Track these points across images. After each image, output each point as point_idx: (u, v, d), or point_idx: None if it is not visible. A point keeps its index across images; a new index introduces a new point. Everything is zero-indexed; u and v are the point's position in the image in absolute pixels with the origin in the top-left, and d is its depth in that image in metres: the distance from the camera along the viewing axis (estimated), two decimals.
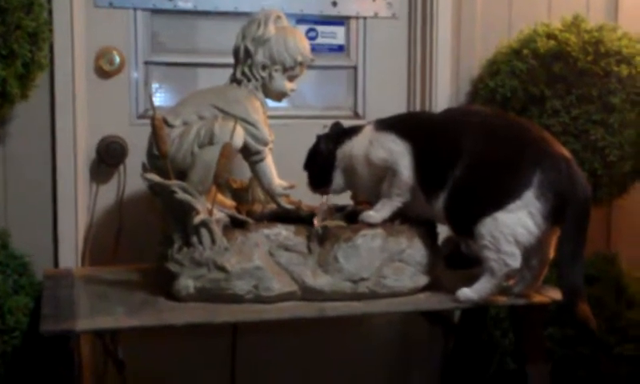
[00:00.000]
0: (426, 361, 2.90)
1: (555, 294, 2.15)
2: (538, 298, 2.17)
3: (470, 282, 2.12)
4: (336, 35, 2.90)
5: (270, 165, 2.24)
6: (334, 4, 2.85)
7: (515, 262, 2.04)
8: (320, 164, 2.27)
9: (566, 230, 2.02)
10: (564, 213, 2.01)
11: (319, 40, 2.87)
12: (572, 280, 2.01)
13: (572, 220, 2.01)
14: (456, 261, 2.38)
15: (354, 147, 2.24)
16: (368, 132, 2.24)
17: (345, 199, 2.40)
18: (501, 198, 2.04)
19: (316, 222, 2.19)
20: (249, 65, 2.23)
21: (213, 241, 2.06)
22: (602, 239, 2.97)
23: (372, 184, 2.23)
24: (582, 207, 2.03)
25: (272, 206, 2.30)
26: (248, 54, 2.23)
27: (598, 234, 2.91)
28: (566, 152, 2.08)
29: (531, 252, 2.08)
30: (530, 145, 2.07)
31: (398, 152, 2.16)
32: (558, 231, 2.05)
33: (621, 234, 3.01)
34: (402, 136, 2.17)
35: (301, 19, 2.84)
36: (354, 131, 2.28)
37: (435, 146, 2.15)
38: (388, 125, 2.23)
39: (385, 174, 2.19)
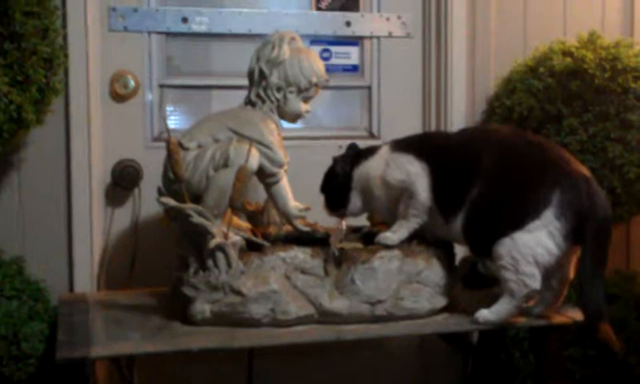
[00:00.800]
0: (444, 382, 2.87)
1: (576, 315, 2.12)
2: (558, 319, 2.15)
3: (487, 302, 2.10)
4: (350, 55, 2.89)
5: (285, 187, 2.22)
6: (348, 24, 2.85)
7: (535, 283, 2.02)
8: (336, 186, 2.26)
9: (587, 250, 2.00)
10: (584, 232, 1.99)
11: (333, 60, 2.86)
12: (593, 300, 1.98)
13: (592, 239, 1.99)
14: (473, 281, 2.36)
15: (371, 168, 2.22)
16: (384, 153, 2.23)
17: (361, 221, 2.38)
18: (520, 217, 2.02)
19: (332, 244, 2.17)
20: (263, 87, 2.23)
21: (229, 264, 2.05)
22: (621, 257, 2.93)
23: (389, 205, 2.22)
24: (602, 226, 2.01)
25: (288, 228, 2.29)
26: (262, 75, 2.22)
27: (617, 251, 2.88)
28: (585, 171, 2.06)
29: (551, 272, 2.06)
30: (549, 164, 2.05)
31: (415, 173, 2.14)
32: (578, 251, 2.03)
33: None
34: (419, 157, 2.16)
35: (315, 40, 2.83)
36: (370, 152, 2.26)
37: (453, 166, 2.13)
38: (405, 145, 2.21)
39: (402, 195, 2.17)
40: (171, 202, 2.07)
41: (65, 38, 2.43)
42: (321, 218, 2.29)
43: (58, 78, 2.28)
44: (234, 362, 2.62)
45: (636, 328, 2.47)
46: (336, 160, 2.28)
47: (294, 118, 2.29)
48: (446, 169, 2.14)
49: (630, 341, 2.43)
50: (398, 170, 2.17)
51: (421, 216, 2.16)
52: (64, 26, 2.43)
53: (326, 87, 2.40)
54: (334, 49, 2.87)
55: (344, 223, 2.29)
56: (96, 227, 2.56)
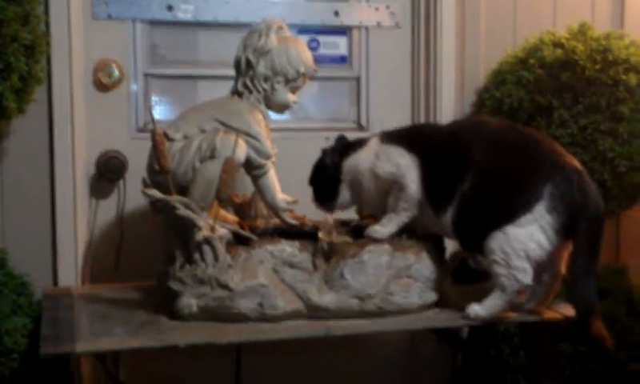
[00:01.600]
0: (434, 377, 2.85)
1: (567, 310, 2.11)
2: (549, 315, 2.13)
3: (478, 296, 2.08)
4: (338, 45, 2.86)
5: (272, 179, 2.19)
6: (337, 13, 2.81)
7: (526, 277, 2.00)
8: (325, 178, 2.23)
9: (579, 245, 1.98)
10: (576, 226, 1.97)
11: (321, 50, 2.83)
12: (585, 296, 1.97)
13: (584, 234, 1.98)
14: (463, 275, 2.35)
15: (360, 160, 2.19)
16: (374, 145, 2.20)
17: (350, 214, 2.35)
18: (511, 211, 1.99)
19: (321, 237, 2.14)
20: (250, 76, 2.19)
21: (216, 258, 2.02)
22: (611, 251, 2.92)
23: (378, 198, 2.19)
24: (595, 221, 1.99)
25: (275, 221, 2.25)
26: (249, 65, 2.18)
27: (607, 245, 2.84)
28: (577, 164, 2.04)
29: (542, 267, 2.04)
30: (541, 157, 2.03)
31: (405, 165, 2.11)
32: (570, 245, 2.01)
33: (630, 245, 2.96)
34: (409, 149, 2.13)
35: (302, 29, 2.80)
36: (359, 144, 2.23)
37: (443, 159, 2.10)
38: (395, 137, 2.18)
39: (391, 187, 2.14)
40: (157, 193, 2.03)
41: (47, 25, 2.38)
42: (309, 211, 2.26)
43: (40, 66, 2.24)
44: (222, 357, 2.58)
45: (626, 323, 2.47)
46: (325, 152, 2.25)
47: (281, 108, 2.25)
48: (437, 161, 2.11)
49: (620, 336, 2.42)
50: (388, 162, 2.14)
51: (411, 209, 2.13)
52: (46, 13, 2.38)
53: (314, 78, 2.37)
54: (321, 39, 2.83)
55: (333, 216, 2.25)
56: (80, 220, 2.51)
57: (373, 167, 2.16)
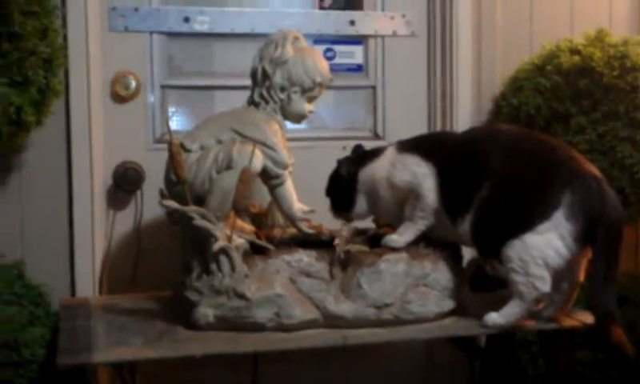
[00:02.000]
0: None
1: (586, 318, 2.09)
2: (568, 322, 2.11)
3: (495, 304, 2.07)
4: (354, 55, 2.86)
5: (289, 188, 2.19)
6: (352, 23, 2.81)
7: (545, 285, 1.98)
8: (342, 188, 2.22)
9: (598, 252, 1.96)
10: (595, 234, 1.96)
11: (337, 60, 2.83)
12: (604, 304, 1.95)
13: (603, 241, 1.96)
14: (481, 283, 2.33)
15: (377, 170, 2.19)
16: (390, 154, 2.19)
17: (367, 223, 2.34)
18: (529, 219, 1.98)
19: (338, 246, 2.13)
20: (267, 87, 2.20)
21: (232, 268, 2.02)
22: (630, 258, 2.89)
23: (395, 207, 2.18)
24: (614, 228, 1.97)
25: (292, 231, 2.25)
26: (266, 75, 2.19)
27: (626, 253, 2.82)
28: (596, 171, 2.03)
29: (561, 275, 2.03)
30: (560, 164, 2.01)
31: (421, 174, 2.11)
32: (589, 253, 1.99)
33: None
34: (426, 157, 2.12)
35: (318, 39, 2.80)
36: (375, 153, 2.23)
37: (460, 167, 2.09)
38: (411, 146, 2.18)
39: (408, 196, 2.14)
40: (173, 204, 2.04)
41: (65, 38, 2.39)
42: (326, 220, 2.26)
43: (58, 79, 2.25)
44: (238, 366, 2.58)
45: None
46: (341, 162, 2.25)
47: (297, 118, 2.26)
48: (454, 169, 2.10)
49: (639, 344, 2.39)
50: (405, 171, 2.13)
51: (427, 218, 2.13)
52: (64, 26, 2.39)
53: (330, 87, 2.37)
54: (337, 48, 2.84)
55: (349, 226, 2.24)
56: (98, 230, 2.52)
57: (389, 176, 2.16)
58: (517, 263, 1.99)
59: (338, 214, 2.25)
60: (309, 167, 2.40)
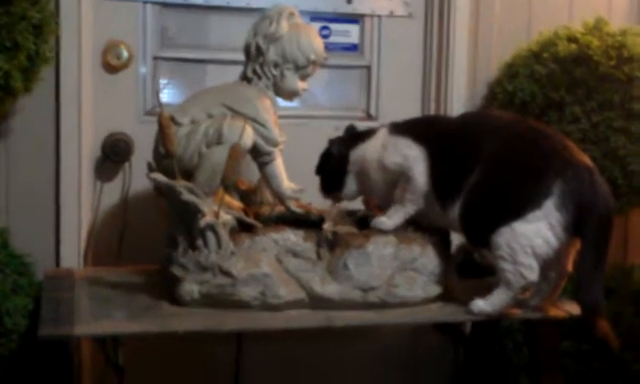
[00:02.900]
0: (436, 371, 2.84)
1: (572, 308, 2.08)
2: (554, 312, 2.10)
3: (483, 291, 2.05)
4: (350, 34, 2.82)
5: (279, 166, 2.17)
6: (349, 1, 2.78)
7: (533, 274, 1.97)
8: (332, 168, 2.21)
9: (587, 243, 1.95)
10: (585, 224, 1.95)
11: (332, 38, 2.80)
12: (591, 295, 1.94)
13: (593, 233, 1.95)
14: (469, 269, 2.33)
15: (368, 151, 2.17)
16: (382, 135, 2.17)
17: (356, 204, 2.32)
18: (519, 206, 1.97)
19: (326, 226, 2.12)
20: (260, 63, 2.17)
21: (219, 244, 2.00)
22: (619, 250, 2.89)
23: (385, 189, 2.16)
24: (604, 220, 1.96)
25: (281, 209, 2.23)
26: (259, 51, 2.16)
27: (615, 244, 2.80)
28: (589, 161, 2.01)
29: (549, 264, 2.02)
30: (552, 153, 2.00)
31: (413, 157, 2.09)
32: (578, 243, 1.98)
33: (639, 244, 2.93)
34: (418, 140, 2.10)
35: (314, 16, 2.77)
36: (367, 134, 2.21)
37: (452, 152, 2.07)
38: (403, 129, 2.16)
39: (398, 179, 2.12)
40: (161, 177, 2.02)
41: (57, 4, 2.36)
42: (315, 200, 2.24)
43: (49, 45, 2.22)
44: (222, 343, 2.57)
45: (633, 323, 2.43)
46: (332, 142, 2.23)
47: (290, 95, 2.23)
48: (445, 154, 2.08)
49: (625, 336, 2.39)
50: (396, 153, 2.11)
51: (417, 201, 2.11)
52: None
53: (325, 66, 2.34)
54: (333, 26, 2.80)
55: (338, 206, 2.23)
56: (84, 201, 2.50)
57: (380, 158, 2.14)
58: (505, 251, 1.97)
59: (327, 193, 2.23)
60: (300, 146, 2.38)
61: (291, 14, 2.20)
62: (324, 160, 2.24)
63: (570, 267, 2.05)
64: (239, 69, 2.22)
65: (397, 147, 2.12)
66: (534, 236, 1.96)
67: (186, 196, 1.98)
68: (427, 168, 2.09)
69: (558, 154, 1.99)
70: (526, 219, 1.96)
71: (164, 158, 2.06)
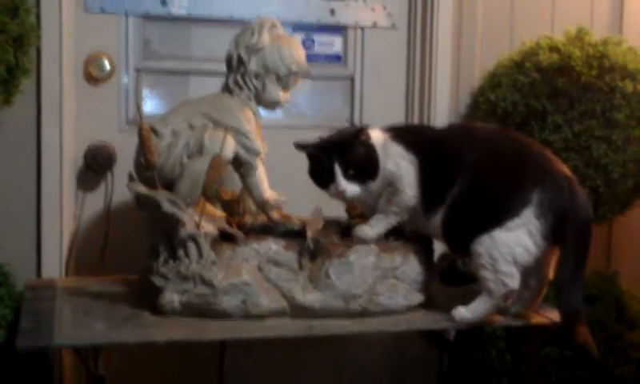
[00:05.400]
0: (420, 379, 2.83)
1: (554, 315, 2.08)
2: (536, 319, 2.11)
3: (465, 299, 2.06)
4: (333, 44, 2.83)
5: (261, 176, 2.17)
6: (332, 12, 2.79)
7: (513, 282, 1.98)
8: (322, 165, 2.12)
9: (566, 251, 1.96)
10: (564, 233, 1.95)
11: (316, 49, 2.81)
12: (571, 303, 1.95)
13: (572, 241, 1.96)
14: (451, 277, 2.33)
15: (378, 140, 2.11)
16: (382, 136, 2.13)
17: (338, 212, 2.32)
18: (499, 215, 1.97)
19: (308, 235, 2.11)
20: (242, 73, 2.17)
21: (200, 254, 2.00)
22: (602, 257, 2.90)
23: (370, 196, 2.13)
24: (583, 228, 1.97)
25: (263, 218, 2.23)
26: (241, 62, 2.17)
27: (598, 251, 2.84)
28: (567, 171, 2.02)
29: (530, 271, 2.02)
30: (531, 163, 2.01)
31: (404, 167, 2.07)
32: (558, 251, 1.98)
33: (621, 251, 2.94)
34: (410, 149, 2.09)
35: (297, 27, 2.78)
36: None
37: (437, 161, 2.07)
38: (396, 135, 2.12)
39: (386, 188, 2.10)
40: (141, 188, 2.02)
41: (38, 17, 2.36)
42: (299, 209, 2.23)
43: (28, 57, 2.22)
44: (204, 353, 2.56)
45: (615, 329, 2.45)
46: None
47: (272, 106, 2.24)
48: (432, 163, 2.08)
49: (608, 342, 2.40)
50: (391, 160, 2.09)
51: (401, 214, 2.11)
52: (37, 5, 2.36)
53: (308, 76, 2.34)
54: (317, 37, 2.81)
55: (320, 215, 2.21)
56: (66, 211, 2.49)
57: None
58: (486, 259, 1.98)
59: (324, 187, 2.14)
60: (283, 155, 2.37)
61: (273, 26, 2.21)
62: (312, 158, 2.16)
63: (550, 274, 2.05)
64: (222, 80, 2.23)
65: (392, 155, 2.10)
66: (514, 244, 1.96)
67: (167, 207, 1.98)
68: (417, 179, 2.08)
69: (537, 164, 2.00)
70: (505, 227, 1.97)
71: (145, 169, 2.06)
